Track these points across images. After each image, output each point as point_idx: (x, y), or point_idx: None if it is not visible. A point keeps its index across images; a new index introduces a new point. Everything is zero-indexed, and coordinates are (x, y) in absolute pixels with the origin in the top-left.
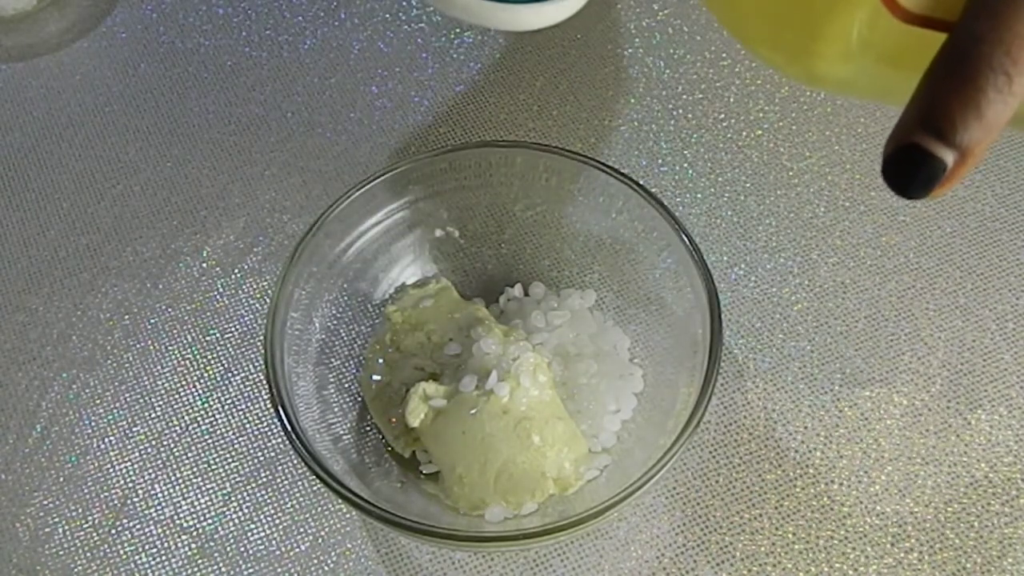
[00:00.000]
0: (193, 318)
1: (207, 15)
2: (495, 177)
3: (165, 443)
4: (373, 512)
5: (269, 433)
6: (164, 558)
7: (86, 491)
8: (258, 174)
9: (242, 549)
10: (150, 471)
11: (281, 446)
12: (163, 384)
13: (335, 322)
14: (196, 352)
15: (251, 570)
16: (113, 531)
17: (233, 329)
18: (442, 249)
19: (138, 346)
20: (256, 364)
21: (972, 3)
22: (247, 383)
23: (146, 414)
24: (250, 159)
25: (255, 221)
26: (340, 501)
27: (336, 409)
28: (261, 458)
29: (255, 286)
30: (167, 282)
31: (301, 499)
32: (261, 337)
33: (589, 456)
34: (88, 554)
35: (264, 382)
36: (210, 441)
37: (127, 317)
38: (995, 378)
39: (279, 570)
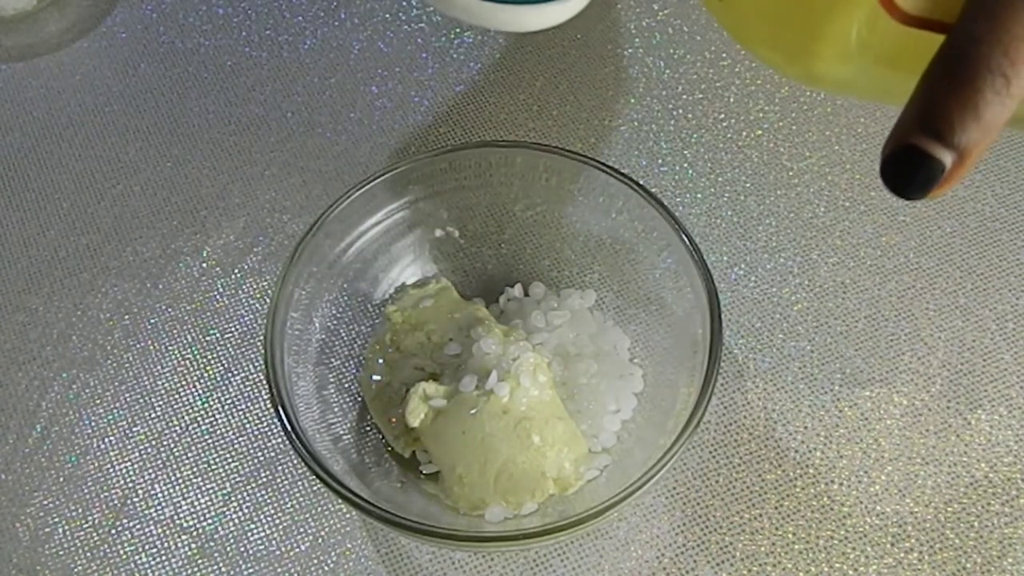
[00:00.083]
0: (193, 318)
1: (207, 15)
2: (495, 177)
3: (165, 443)
4: (373, 512)
5: (269, 433)
6: (164, 558)
7: (86, 491)
8: (258, 174)
9: (242, 549)
10: (150, 471)
11: (281, 446)
12: (163, 384)
13: (335, 322)
14: (196, 352)
15: (251, 570)
16: (113, 531)
17: (233, 329)
18: (442, 249)
19: (138, 346)
20: (256, 364)
21: (970, 5)
22: (247, 383)
23: (146, 414)
24: (250, 159)
25: (255, 221)
26: (340, 501)
27: (336, 409)
28: (261, 458)
29: (255, 286)
30: (167, 282)
31: (301, 499)
32: (261, 337)
33: (589, 456)
34: (88, 554)
35: (264, 382)
36: (210, 441)
37: (127, 317)
38: (995, 378)
39: (279, 570)
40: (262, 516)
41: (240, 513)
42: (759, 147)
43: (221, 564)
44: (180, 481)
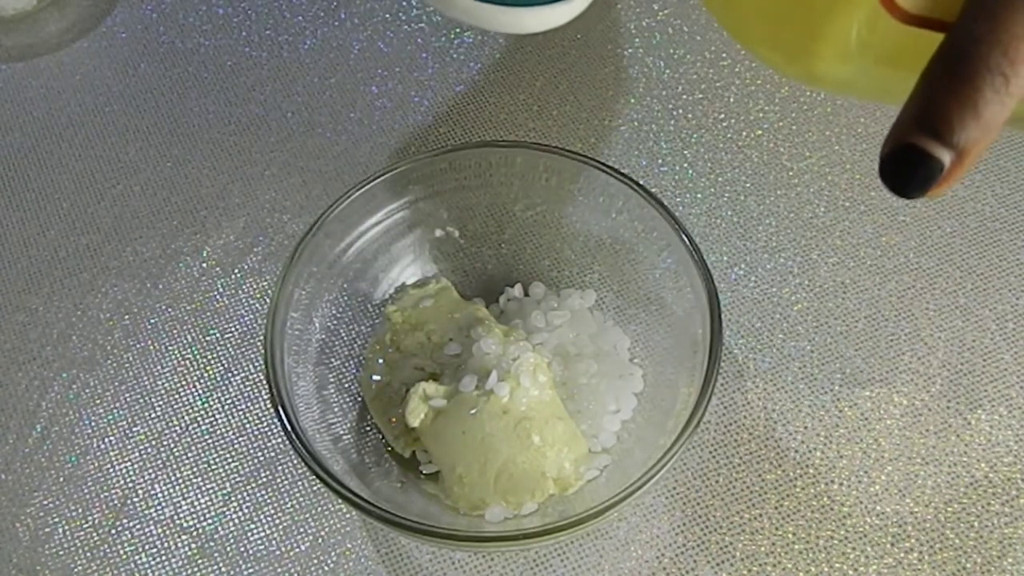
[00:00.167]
0: (193, 318)
1: (207, 15)
2: (495, 177)
3: (165, 443)
4: (373, 512)
5: (269, 433)
6: (164, 558)
7: (86, 491)
8: (258, 174)
9: (242, 549)
10: (150, 471)
11: (281, 446)
12: (163, 384)
13: (335, 322)
14: (196, 352)
15: (251, 570)
16: (113, 531)
17: (233, 329)
18: (442, 249)
19: (138, 346)
20: (256, 364)
21: (970, 4)
22: (247, 383)
23: (146, 414)
24: (250, 159)
25: (255, 221)
26: (340, 501)
27: (336, 409)
28: (261, 458)
29: (255, 286)
30: (167, 282)
31: (301, 499)
32: (261, 337)
33: (589, 456)
34: (88, 554)
35: (264, 382)
36: (210, 441)
37: (127, 317)
38: (995, 378)
39: (279, 570)
40: (262, 516)
41: (240, 513)
42: (759, 147)
43: (221, 564)
44: (180, 481)
